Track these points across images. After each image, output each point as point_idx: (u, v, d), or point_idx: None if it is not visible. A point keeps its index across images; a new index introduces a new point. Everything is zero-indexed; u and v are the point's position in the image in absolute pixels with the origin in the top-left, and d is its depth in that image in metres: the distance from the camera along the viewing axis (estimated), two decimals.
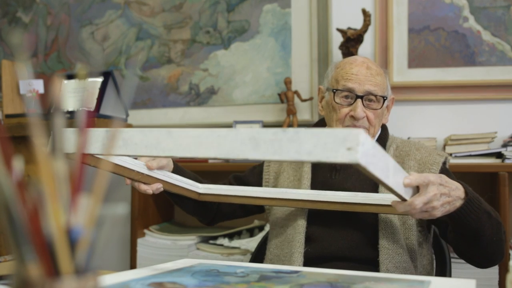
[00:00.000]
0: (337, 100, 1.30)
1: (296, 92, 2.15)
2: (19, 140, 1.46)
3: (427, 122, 2.06)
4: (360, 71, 1.29)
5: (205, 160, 2.08)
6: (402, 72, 2.09)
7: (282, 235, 1.32)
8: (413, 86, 2.07)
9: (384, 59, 2.10)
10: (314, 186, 1.32)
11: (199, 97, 2.36)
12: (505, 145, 1.83)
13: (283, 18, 2.26)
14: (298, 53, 2.23)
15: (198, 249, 2.01)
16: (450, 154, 1.84)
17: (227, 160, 2.07)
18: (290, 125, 2.14)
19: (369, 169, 0.65)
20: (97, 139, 0.80)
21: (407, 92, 2.08)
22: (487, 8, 2.01)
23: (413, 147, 1.34)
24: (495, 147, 1.87)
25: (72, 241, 0.38)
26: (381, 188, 1.26)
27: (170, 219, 2.32)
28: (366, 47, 2.09)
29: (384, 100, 1.31)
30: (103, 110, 2.03)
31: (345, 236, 1.24)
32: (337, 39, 2.10)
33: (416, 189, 0.97)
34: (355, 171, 1.32)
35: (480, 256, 1.18)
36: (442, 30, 2.05)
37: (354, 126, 1.27)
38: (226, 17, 2.34)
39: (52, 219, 0.38)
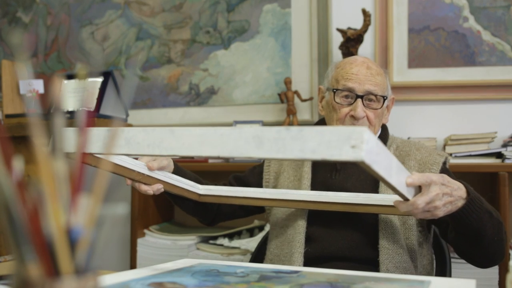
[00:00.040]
0: (337, 100, 1.30)
1: (296, 92, 2.15)
2: (19, 140, 1.46)
3: (427, 122, 2.06)
4: (360, 71, 1.29)
5: (205, 160, 2.08)
6: (402, 72, 2.09)
7: (282, 235, 1.32)
8: (413, 86, 2.07)
9: (384, 59, 2.10)
10: (314, 186, 1.32)
11: (199, 97, 2.37)
12: (505, 145, 1.83)
13: (283, 18, 2.26)
14: (298, 53, 2.23)
15: (198, 249, 2.01)
16: (450, 154, 1.84)
17: (227, 160, 2.07)
18: (290, 125, 2.14)
19: (373, 168, 0.65)
20: (98, 139, 0.80)
21: (407, 92, 2.08)
22: (487, 8, 2.01)
23: (413, 147, 1.34)
24: (495, 147, 1.87)
25: (72, 241, 0.38)
26: (381, 188, 1.26)
27: (170, 219, 2.33)
28: (366, 47, 2.09)
29: (384, 100, 1.31)
30: (103, 110, 2.03)
31: (345, 236, 1.24)
32: (337, 39, 2.10)
33: (418, 189, 0.97)
34: (355, 171, 1.32)
35: (481, 256, 1.18)
36: (442, 30, 2.05)
37: (354, 126, 1.27)
38: (226, 17, 2.34)
39: (52, 219, 0.38)
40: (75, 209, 0.39)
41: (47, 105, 2.12)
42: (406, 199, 0.96)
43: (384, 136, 1.38)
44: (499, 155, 1.83)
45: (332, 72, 1.36)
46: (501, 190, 1.70)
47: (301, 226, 1.27)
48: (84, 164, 0.41)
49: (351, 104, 1.29)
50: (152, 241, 2.06)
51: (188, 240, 2.02)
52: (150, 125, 2.40)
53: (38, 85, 2.13)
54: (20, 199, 0.38)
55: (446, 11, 2.05)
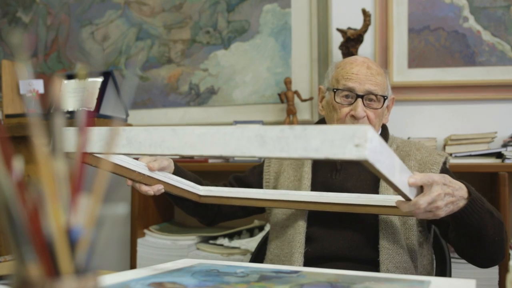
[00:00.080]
0: (338, 99, 1.30)
1: (296, 92, 2.15)
2: (19, 140, 1.46)
3: (427, 122, 2.06)
4: (361, 70, 1.29)
5: (205, 160, 2.08)
6: (402, 72, 2.09)
7: (282, 235, 1.32)
8: (413, 86, 2.07)
9: (384, 59, 2.10)
10: (315, 186, 1.32)
11: (199, 97, 2.37)
12: (505, 145, 1.83)
13: (283, 18, 2.26)
14: (298, 53, 2.23)
15: (198, 249, 2.01)
16: (450, 154, 1.84)
17: (227, 160, 2.07)
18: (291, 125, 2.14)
19: (376, 166, 0.64)
20: (98, 138, 0.80)
21: (407, 92, 2.08)
22: (487, 8, 2.01)
23: (413, 147, 1.34)
24: (495, 147, 1.87)
25: (72, 241, 0.38)
26: (381, 188, 1.26)
27: (170, 219, 2.32)
28: (366, 47, 2.09)
29: (384, 100, 1.31)
30: (103, 110, 2.03)
31: (346, 236, 1.24)
32: (337, 39, 2.10)
33: (420, 189, 0.97)
34: (355, 171, 1.32)
35: (482, 256, 1.18)
36: (442, 30, 2.05)
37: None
38: (226, 17, 2.34)
39: (52, 219, 0.38)
40: (75, 209, 0.39)
41: (47, 105, 2.12)
42: (408, 199, 0.95)
43: (384, 136, 1.38)
44: (499, 155, 1.83)
45: (332, 72, 1.36)
46: (501, 190, 1.70)
47: (301, 226, 1.27)
48: (84, 164, 0.41)
49: (352, 104, 1.29)
50: (152, 241, 2.06)
51: (188, 240, 2.02)
52: (150, 125, 2.40)
53: (38, 85, 2.13)
54: (20, 199, 0.38)
55: (446, 11, 2.05)
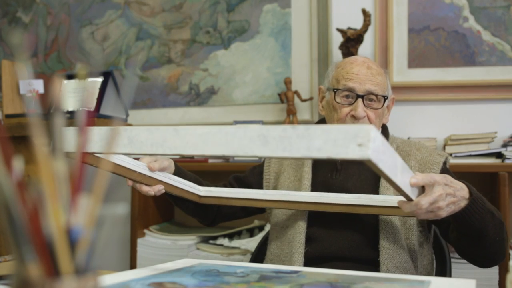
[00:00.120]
0: (338, 99, 1.30)
1: (296, 92, 2.15)
2: (19, 140, 1.46)
3: (427, 122, 2.06)
4: (361, 70, 1.29)
5: (205, 160, 2.08)
6: (402, 72, 2.09)
7: (282, 235, 1.32)
8: (413, 86, 2.07)
9: (384, 59, 2.10)
10: (315, 186, 1.32)
11: (199, 97, 2.37)
12: (505, 145, 1.83)
13: (283, 18, 2.26)
14: (298, 53, 2.23)
15: (198, 249, 2.01)
16: (450, 154, 1.84)
17: (227, 160, 2.07)
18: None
19: (379, 166, 0.64)
20: (99, 138, 0.80)
21: (407, 92, 2.08)
22: (487, 8, 2.01)
23: (413, 147, 1.34)
24: (495, 147, 1.87)
25: (72, 241, 0.38)
26: (381, 188, 1.26)
27: (170, 219, 2.33)
28: (366, 47, 2.09)
29: (384, 100, 1.31)
30: (103, 110, 2.03)
31: (346, 236, 1.24)
32: (337, 39, 2.10)
33: (421, 190, 0.97)
34: (355, 171, 1.32)
35: (483, 256, 1.18)
36: (442, 30, 2.05)
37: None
38: (226, 17, 2.34)
39: (52, 219, 0.38)
40: (75, 209, 0.39)
41: (47, 105, 2.12)
42: (409, 199, 0.95)
43: (384, 136, 1.38)
44: (499, 155, 1.83)
45: (332, 72, 1.36)
46: (501, 190, 1.70)
47: (301, 226, 1.26)
48: (84, 164, 0.41)
49: (352, 104, 1.28)
50: (152, 241, 2.06)
51: (188, 240, 2.02)
52: (150, 125, 2.40)
53: (38, 85, 2.13)
54: (20, 199, 0.38)
55: (446, 11, 2.05)
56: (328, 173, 1.34)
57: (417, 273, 1.23)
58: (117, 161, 1.03)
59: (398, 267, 1.19)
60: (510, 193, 1.76)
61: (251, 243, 1.93)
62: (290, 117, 2.15)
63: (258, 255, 1.49)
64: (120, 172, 1.05)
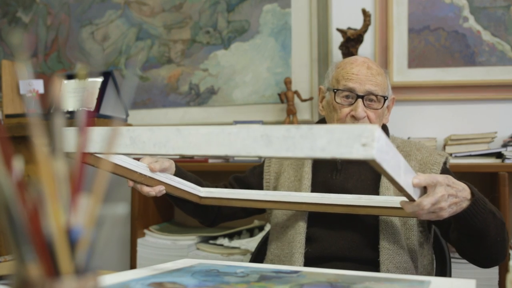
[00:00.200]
0: (338, 100, 1.30)
1: (296, 92, 2.15)
2: (19, 140, 1.45)
3: (427, 122, 2.06)
4: (361, 71, 1.29)
5: (205, 160, 2.08)
6: (402, 72, 2.09)
7: (282, 235, 1.32)
8: (413, 86, 2.07)
9: (384, 59, 2.10)
10: (315, 186, 1.32)
11: (199, 97, 2.36)
12: (505, 145, 1.83)
13: (283, 18, 2.26)
14: (298, 53, 2.23)
15: (198, 249, 2.01)
16: (450, 154, 1.84)
17: (227, 160, 2.07)
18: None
19: (383, 166, 0.64)
20: (99, 138, 0.80)
21: (407, 92, 2.08)
22: (487, 8, 2.01)
23: (413, 147, 1.34)
24: (495, 147, 1.87)
25: (72, 241, 0.38)
26: (381, 188, 1.26)
27: (170, 219, 2.32)
28: (366, 47, 2.09)
29: (385, 100, 1.31)
30: (103, 110, 2.03)
31: (346, 236, 1.24)
32: (337, 39, 2.10)
33: (423, 190, 0.97)
34: (356, 171, 1.32)
35: (484, 256, 1.18)
36: (442, 30, 2.05)
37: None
38: (226, 17, 2.34)
39: (52, 219, 0.38)
40: (75, 209, 0.39)
41: (47, 105, 2.12)
42: (412, 200, 0.95)
43: None
44: (499, 155, 1.83)
45: (332, 72, 1.36)
46: (501, 190, 1.70)
47: (301, 226, 1.26)
48: (84, 164, 0.41)
49: (352, 104, 1.28)
50: (152, 241, 2.06)
51: (188, 240, 2.02)
52: (150, 125, 2.40)
53: (38, 85, 2.14)
54: (20, 199, 0.38)
55: (446, 11, 2.05)
56: (329, 173, 1.34)
57: (417, 273, 1.23)
58: (118, 162, 1.03)
59: (398, 267, 1.19)
60: (510, 193, 1.76)
61: (251, 243, 1.93)
62: (290, 117, 2.15)
63: (258, 255, 1.49)
64: (121, 172, 1.05)
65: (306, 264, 1.23)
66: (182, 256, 1.93)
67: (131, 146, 0.75)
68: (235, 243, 1.96)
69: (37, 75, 2.39)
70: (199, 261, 1.06)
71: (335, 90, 1.30)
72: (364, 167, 1.32)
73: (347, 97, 1.29)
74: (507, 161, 1.77)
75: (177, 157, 2.02)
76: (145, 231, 2.10)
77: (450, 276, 1.39)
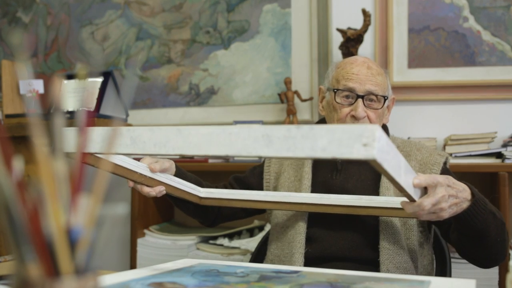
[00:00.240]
0: (338, 100, 1.30)
1: (296, 92, 2.15)
2: (19, 140, 1.46)
3: (427, 122, 2.06)
4: (361, 71, 1.29)
5: (205, 160, 2.08)
6: (402, 72, 2.08)
7: (282, 236, 1.32)
8: (413, 86, 2.07)
9: (384, 59, 2.10)
10: (315, 186, 1.32)
11: (199, 97, 2.36)
12: (505, 145, 1.83)
13: (283, 18, 2.26)
14: (298, 53, 2.23)
15: (198, 249, 2.01)
16: (450, 154, 1.83)
17: (227, 160, 2.07)
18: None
19: (383, 166, 0.64)
20: (99, 138, 0.80)
21: (407, 92, 2.08)
22: (487, 8, 2.01)
23: (413, 147, 1.34)
24: (495, 147, 1.87)
25: (72, 241, 0.38)
26: (381, 188, 1.26)
27: (170, 219, 2.33)
28: (366, 47, 2.09)
29: (385, 100, 1.31)
30: (103, 110, 2.03)
31: (346, 236, 1.24)
32: (337, 39, 2.10)
33: (423, 190, 0.97)
34: (356, 171, 1.32)
35: (484, 257, 1.18)
36: (442, 30, 2.05)
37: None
38: (226, 17, 2.34)
39: (52, 219, 0.38)
40: (75, 209, 0.39)
41: (47, 105, 2.12)
42: (412, 200, 0.95)
43: None
44: (499, 155, 1.83)
45: (332, 72, 1.36)
46: (501, 190, 1.70)
47: (301, 226, 1.26)
48: (84, 164, 0.41)
49: (352, 104, 1.28)
50: (152, 241, 2.06)
51: (188, 240, 2.02)
52: (150, 125, 2.40)
53: (38, 85, 2.13)
54: (20, 199, 0.38)
55: (446, 11, 2.05)
56: (329, 173, 1.34)
57: (417, 273, 1.23)
58: (118, 162, 1.03)
59: (398, 268, 1.19)
60: (510, 193, 1.76)
61: (251, 243, 1.93)
62: (290, 117, 2.15)
63: (258, 255, 1.49)
64: (121, 173, 1.05)
65: (306, 264, 1.23)
66: (182, 256, 1.93)
67: (131, 146, 0.75)
68: (235, 243, 1.96)
69: (37, 75, 2.39)
70: (199, 261, 1.06)
71: (335, 90, 1.30)
72: (364, 167, 1.32)
73: (347, 97, 1.29)
74: (507, 161, 1.77)
75: (177, 157, 2.02)
76: (145, 231, 2.10)
77: (450, 276, 1.39)
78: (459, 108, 2.04)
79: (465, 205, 1.03)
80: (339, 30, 2.00)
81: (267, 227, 1.96)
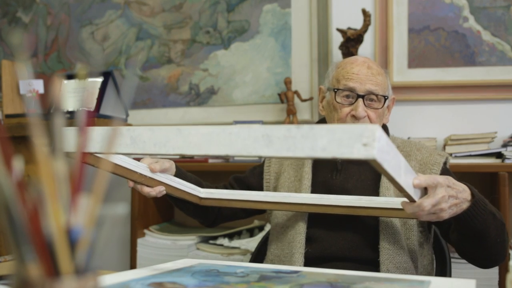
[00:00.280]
0: (338, 99, 1.30)
1: (296, 92, 2.15)
2: (19, 140, 1.45)
3: (427, 122, 2.06)
4: (361, 70, 1.29)
5: (205, 160, 2.08)
6: (402, 72, 2.08)
7: (282, 236, 1.32)
8: (413, 86, 2.07)
9: (384, 59, 2.10)
10: (315, 186, 1.32)
11: (199, 97, 2.36)
12: (505, 145, 1.83)
13: (283, 18, 2.26)
14: (298, 53, 2.23)
15: (198, 249, 2.01)
16: (450, 154, 1.83)
17: (227, 160, 2.07)
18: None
19: (383, 166, 0.64)
20: (99, 138, 0.80)
21: (407, 92, 2.08)
22: (487, 8, 2.01)
23: (413, 147, 1.34)
24: (495, 147, 1.87)
25: (72, 241, 0.38)
26: (381, 188, 1.26)
27: (170, 219, 2.32)
28: (366, 47, 2.09)
29: (385, 100, 1.31)
30: (103, 110, 2.03)
31: (346, 236, 1.24)
32: (337, 39, 2.10)
33: (424, 191, 0.97)
34: (356, 171, 1.32)
35: (483, 257, 1.18)
36: (442, 30, 2.05)
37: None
38: (226, 17, 2.34)
39: (52, 219, 0.38)
40: (75, 209, 0.39)
41: (47, 105, 2.12)
42: (412, 200, 0.95)
43: None
44: (499, 155, 1.83)
45: (332, 72, 1.36)
46: (501, 190, 1.70)
47: (301, 226, 1.27)
48: (84, 164, 0.41)
49: (352, 104, 1.28)
50: (152, 241, 2.06)
51: (188, 240, 2.02)
52: (150, 125, 2.40)
53: (38, 85, 2.13)
54: (20, 199, 0.38)
55: (446, 11, 2.05)
56: (329, 173, 1.34)
57: (417, 273, 1.23)
58: (118, 162, 1.03)
59: (398, 268, 1.19)
60: (510, 193, 1.75)
61: (251, 243, 1.93)
62: (290, 117, 2.15)
63: (258, 255, 1.49)
64: (121, 173, 1.05)
65: (306, 264, 1.23)
66: (182, 256, 1.93)
67: (131, 146, 0.75)
68: (235, 243, 1.96)
69: (37, 75, 2.39)
70: (199, 261, 1.06)
71: (336, 90, 1.30)
72: (364, 167, 1.32)
73: (347, 96, 1.30)
74: (507, 161, 1.77)
75: (177, 157, 2.02)
76: (145, 231, 2.10)
77: (450, 276, 1.39)
78: (459, 108, 2.04)
79: (465, 205, 1.03)
80: (339, 30, 2.00)
81: (267, 227, 1.95)
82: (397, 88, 2.04)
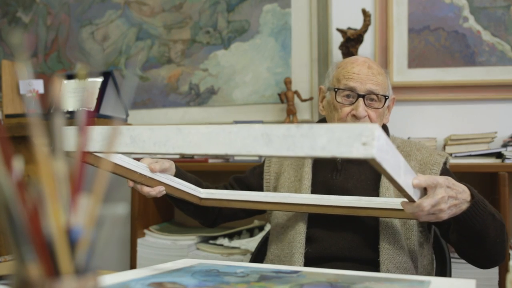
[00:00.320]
0: (339, 99, 1.30)
1: (296, 92, 2.15)
2: (19, 140, 1.46)
3: (427, 122, 2.06)
4: (362, 70, 1.29)
5: (205, 160, 2.08)
6: (402, 72, 2.08)
7: (282, 236, 1.32)
8: (413, 86, 2.07)
9: (384, 59, 2.10)
10: (315, 186, 1.32)
11: (199, 97, 2.36)
12: (505, 145, 1.83)
13: (283, 18, 2.26)
14: (298, 53, 2.23)
15: (198, 249, 2.01)
16: (450, 154, 1.83)
17: (227, 160, 2.07)
18: None
19: (383, 165, 0.64)
20: (101, 137, 0.80)
21: (407, 92, 2.08)
22: (487, 8, 2.01)
23: (413, 147, 1.34)
24: (495, 147, 1.87)
25: (72, 241, 0.38)
26: (381, 188, 1.26)
27: (170, 219, 2.32)
28: (366, 47, 2.09)
29: (385, 100, 1.31)
30: (103, 110, 2.03)
31: (346, 236, 1.24)
32: (337, 39, 2.10)
33: (423, 191, 0.97)
34: (356, 171, 1.32)
35: (483, 257, 1.18)
36: (442, 30, 2.05)
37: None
38: (226, 17, 2.34)
39: (52, 219, 0.38)
40: (75, 209, 0.39)
41: (47, 105, 2.12)
42: (412, 200, 0.95)
43: None
44: (499, 155, 1.83)
45: (333, 72, 1.36)
46: (501, 190, 1.70)
47: (301, 227, 1.26)
48: (84, 164, 0.41)
49: (353, 103, 1.29)
50: (152, 241, 2.06)
51: (188, 240, 2.02)
52: (150, 125, 2.39)
53: (38, 85, 2.13)
54: (20, 199, 0.38)
55: (446, 11, 2.05)
56: (329, 173, 1.34)
57: (417, 273, 1.23)
58: (118, 162, 1.03)
59: (398, 268, 1.19)
60: (510, 193, 1.75)
61: (251, 243, 1.93)
62: (290, 117, 2.15)
63: (258, 255, 1.49)
64: (121, 172, 1.05)
65: (306, 264, 1.23)
66: (182, 256, 1.93)
67: (131, 145, 0.75)
68: (235, 243, 1.96)
69: (37, 75, 2.39)
70: (199, 261, 1.06)
71: (336, 90, 1.30)
72: (364, 167, 1.32)
73: (348, 96, 1.30)
74: (507, 161, 1.77)
75: (177, 156, 2.02)
76: (145, 231, 2.10)
77: (450, 276, 1.39)
78: (459, 108, 2.04)
79: (465, 206, 1.03)
80: (339, 30, 2.00)
81: (267, 227, 1.95)
82: (397, 88, 2.04)
